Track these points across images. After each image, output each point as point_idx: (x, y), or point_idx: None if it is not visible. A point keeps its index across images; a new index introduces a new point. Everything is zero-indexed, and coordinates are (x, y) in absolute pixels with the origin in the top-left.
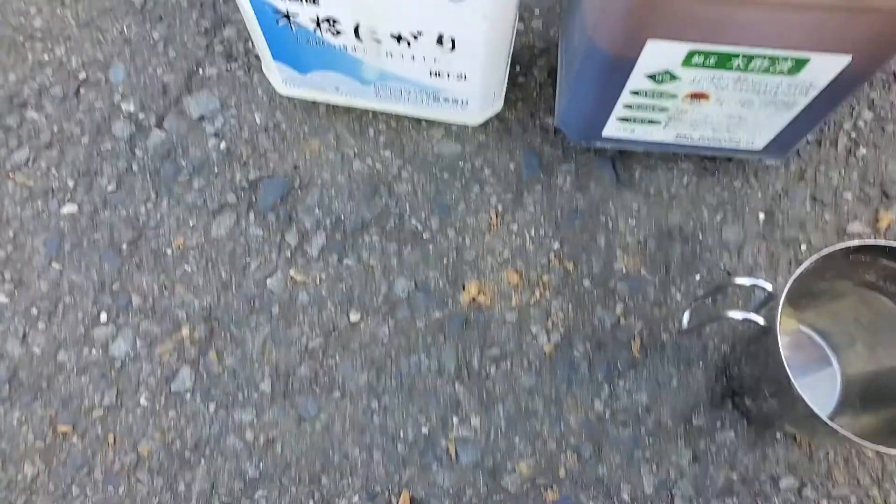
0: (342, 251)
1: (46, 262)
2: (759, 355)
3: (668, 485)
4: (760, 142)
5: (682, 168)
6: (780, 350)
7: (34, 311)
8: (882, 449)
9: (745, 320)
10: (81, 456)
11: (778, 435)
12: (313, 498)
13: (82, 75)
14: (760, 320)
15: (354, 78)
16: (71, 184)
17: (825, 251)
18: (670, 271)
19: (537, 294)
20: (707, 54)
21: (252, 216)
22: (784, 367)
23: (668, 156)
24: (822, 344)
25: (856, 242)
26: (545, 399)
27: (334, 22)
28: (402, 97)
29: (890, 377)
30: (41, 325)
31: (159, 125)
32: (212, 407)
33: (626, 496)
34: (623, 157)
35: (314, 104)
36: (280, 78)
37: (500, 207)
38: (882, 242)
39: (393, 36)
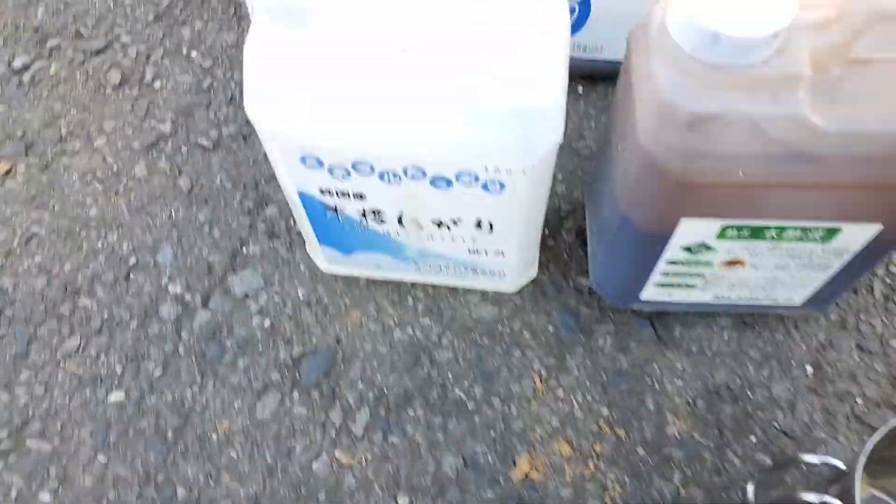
0: (387, 427)
1: (92, 455)
2: None
3: None
4: (799, 299)
5: (722, 324)
6: None
7: None
8: None
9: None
10: None
11: None
12: None
13: (132, 260)
14: (837, 502)
15: (396, 257)
16: (119, 370)
17: (892, 423)
18: (724, 434)
19: (591, 465)
20: (740, 228)
21: (296, 394)
22: None
23: (706, 313)
24: None
25: None
26: None
27: (379, 213)
28: (441, 271)
29: None
30: None
31: (205, 305)
32: None
33: None
34: (661, 315)
35: (354, 278)
36: (324, 258)
37: (543, 372)
38: None
39: (434, 222)
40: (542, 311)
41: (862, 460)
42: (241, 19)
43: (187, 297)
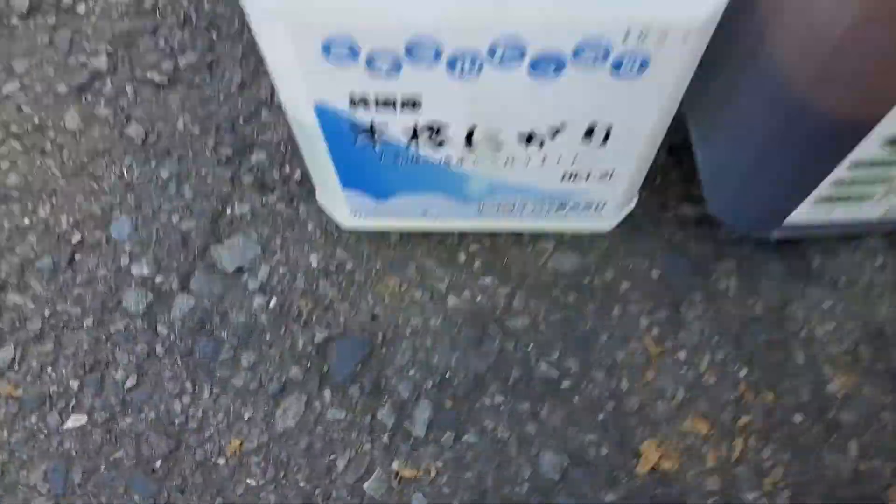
0: (458, 424)
1: None
2: None
3: None
4: None
5: (872, 247)
6: None
7: None
8: None
9: None
10: None
11: None
12: None
13: (75, 237)
14: None
15: (454, 197)
16: (75, 385)
17: None
18: None
19: (739, 445)
20: None
21: (328, 393)
22: None
23: (851, 236)
24: None
25: None
26: None
27: (439, 129)
28: (513, 211)
29: None
30: None
31: (184, 288)
32: None
33: None
34: (792, 244)
35: (382, 234)
36: (348, 209)
37: (654, 330)
38: None
39: (521, 137)
40: (639, 253)
41: None
42: None
43: (158, 279)
